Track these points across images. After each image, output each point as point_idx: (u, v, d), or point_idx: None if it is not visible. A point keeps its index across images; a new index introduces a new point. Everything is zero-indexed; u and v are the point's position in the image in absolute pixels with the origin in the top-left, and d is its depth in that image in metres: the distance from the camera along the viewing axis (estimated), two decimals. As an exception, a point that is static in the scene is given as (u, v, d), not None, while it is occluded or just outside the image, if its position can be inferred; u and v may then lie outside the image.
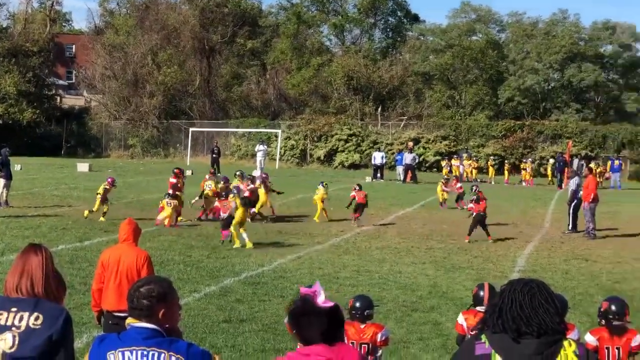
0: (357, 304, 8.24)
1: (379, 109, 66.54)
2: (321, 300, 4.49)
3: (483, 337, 4.24)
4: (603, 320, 8.13)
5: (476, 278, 16.59)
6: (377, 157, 48.09)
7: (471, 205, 23.54)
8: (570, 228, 25.34)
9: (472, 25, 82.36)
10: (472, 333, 7.34)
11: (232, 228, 20.42)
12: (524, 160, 49.85)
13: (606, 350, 7.98)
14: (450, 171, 46.10)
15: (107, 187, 25.34)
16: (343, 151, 59.35)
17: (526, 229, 26.24)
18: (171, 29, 73.95)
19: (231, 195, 22.32)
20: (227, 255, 19.09)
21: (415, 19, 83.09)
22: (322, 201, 26.37)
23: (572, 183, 26.66)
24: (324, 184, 27.43)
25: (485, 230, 22.66)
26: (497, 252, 20.99)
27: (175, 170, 26.26)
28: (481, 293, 8.15)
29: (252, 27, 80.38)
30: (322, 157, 59.70)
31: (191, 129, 62.26)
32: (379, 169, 47.48)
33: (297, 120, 63.71)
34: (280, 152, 59.27)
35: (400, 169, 47.01)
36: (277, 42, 79.33)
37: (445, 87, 73.46)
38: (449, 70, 74.47)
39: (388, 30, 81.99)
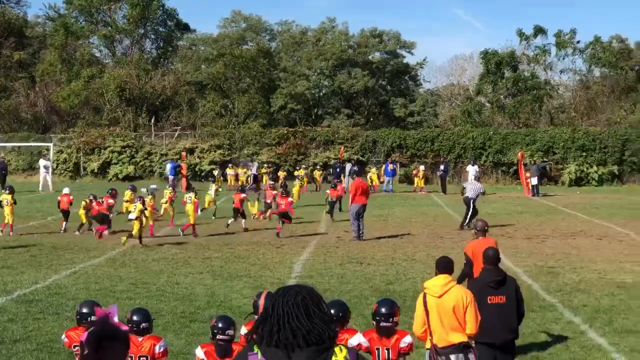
0: (135, 317, 8.11)
1: (153, 120, 65.75)
2: (115, 322, 4.37)
3: (255, 348, 4.18)
4: (374, 322, 8.34)
5: (254, 286, 16.72)
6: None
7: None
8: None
9: (243, 34, 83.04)
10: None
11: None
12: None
13: (377, 351, 8.22)
14: (225, 179, 46.29)
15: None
16: (117, 163, 58.15)
17: (301, 235, 26.66)
18: None
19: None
20: (-3, 275, 18.27)
21: (185, 28, 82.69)
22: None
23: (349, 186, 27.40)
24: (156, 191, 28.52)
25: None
26: (273, 259, 21.21)
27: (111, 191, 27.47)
28: (260, 301, 8.15)
29: (18, 37, 77.28)
30: (96, 170, 58.25)
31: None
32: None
33: (70, 134, 61.88)
34: (52, 166, 57.29)
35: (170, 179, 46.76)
36: (46, 54, 76.65)
37: (218, 96, 73.53)
38: (222, 79, 74.66)
39: (159, 40, 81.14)
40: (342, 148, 53.68)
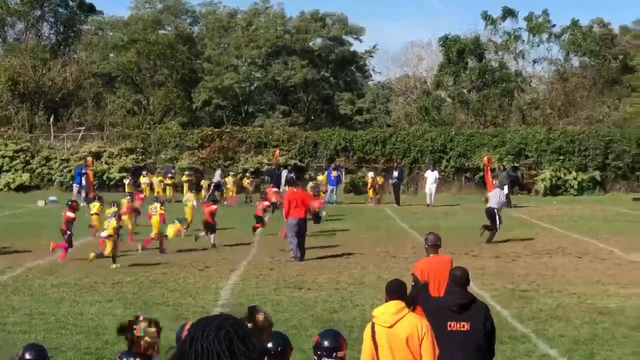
0: (27, 355, 8.06)
1: (52, 119, 65.04)
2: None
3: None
4: (315, 357, 8.31)
5: (173, 316, 16.59)
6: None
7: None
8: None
9: (159, 17, 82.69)
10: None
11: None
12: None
13: (318, 389, 8.16)
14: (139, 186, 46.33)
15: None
16: (9, 170, 57.37)
17: (230, 254, 26.61)
18: None
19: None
20: None
21: (91, 10, 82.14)
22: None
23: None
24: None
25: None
26: (196, 284, 21.13)
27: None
28: (183, 334, 8.09)
29: None
30: (-19, 179, 57.45)
31: None
32: None
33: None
34: None
35: (75, 189, 46.38)
36: None
37: (130, 91, 73.14)
38: (134, 71, 74.24)
39: (59, 24, 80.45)
40: (278, 151, 53.65)
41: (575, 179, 53.42)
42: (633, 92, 63.52)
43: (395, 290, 9.44)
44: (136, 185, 48.56)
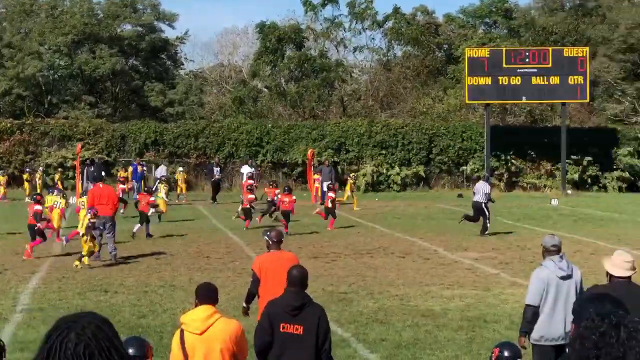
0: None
1: None
2: None
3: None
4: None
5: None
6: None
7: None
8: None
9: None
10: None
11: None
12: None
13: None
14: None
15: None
16: None
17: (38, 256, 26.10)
18: None
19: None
20: None
21: None
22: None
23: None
24: None
25: None
26: (-10, 288, 20.65)
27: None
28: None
29: None
30: None
31: None
32: None
33: None
34: None
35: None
36: None
37: None
38: None
39: None
40: (80, 145, 52.62)
41: (398, 174, 54.45)
42: (457, 83, 65.21)
43: (206, 295, 9.37)
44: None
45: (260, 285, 12.89)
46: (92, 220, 24.35)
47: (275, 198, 34.87)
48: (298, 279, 10.29)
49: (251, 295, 13.21)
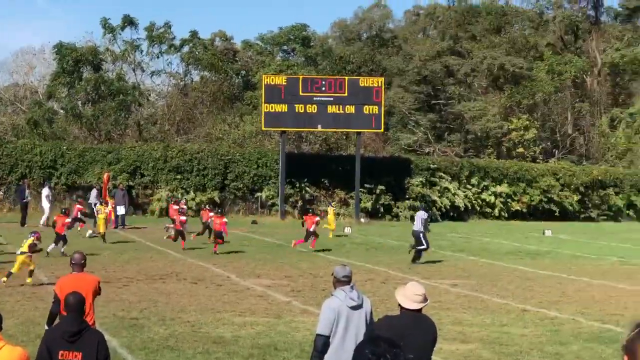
0: None
1: None
2: None
3: None
4: None
5: None
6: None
7: None
8: None
9: None
10: None
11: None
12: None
13: None
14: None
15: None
16: None
17: None
18: None
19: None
20: None
21: None
22: None
23: None
24: None
25: None
26: None
27: None
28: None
29: None
30: None
31: None
32: None
33: None
34: None
35: None
36: None
37: None
38: None
39: None
40: None
41: (193, 199, 54.30)
42: (254, 109, 65.70)
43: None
44: None
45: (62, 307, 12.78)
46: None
47: (209, 220, 38.12)
48: (74, 305, 10.22)
49: (52, 316, 13.16)
